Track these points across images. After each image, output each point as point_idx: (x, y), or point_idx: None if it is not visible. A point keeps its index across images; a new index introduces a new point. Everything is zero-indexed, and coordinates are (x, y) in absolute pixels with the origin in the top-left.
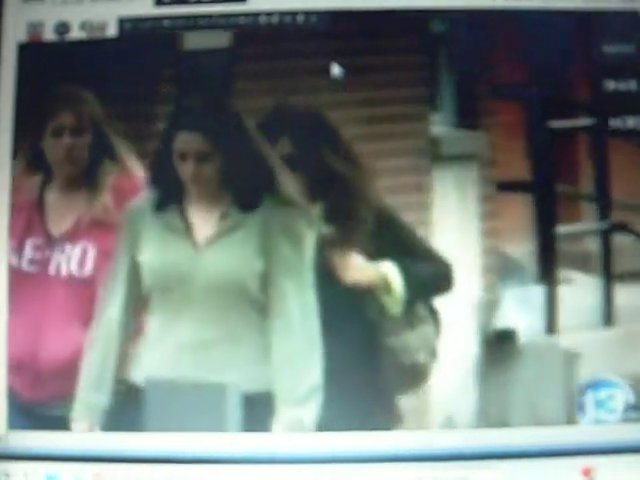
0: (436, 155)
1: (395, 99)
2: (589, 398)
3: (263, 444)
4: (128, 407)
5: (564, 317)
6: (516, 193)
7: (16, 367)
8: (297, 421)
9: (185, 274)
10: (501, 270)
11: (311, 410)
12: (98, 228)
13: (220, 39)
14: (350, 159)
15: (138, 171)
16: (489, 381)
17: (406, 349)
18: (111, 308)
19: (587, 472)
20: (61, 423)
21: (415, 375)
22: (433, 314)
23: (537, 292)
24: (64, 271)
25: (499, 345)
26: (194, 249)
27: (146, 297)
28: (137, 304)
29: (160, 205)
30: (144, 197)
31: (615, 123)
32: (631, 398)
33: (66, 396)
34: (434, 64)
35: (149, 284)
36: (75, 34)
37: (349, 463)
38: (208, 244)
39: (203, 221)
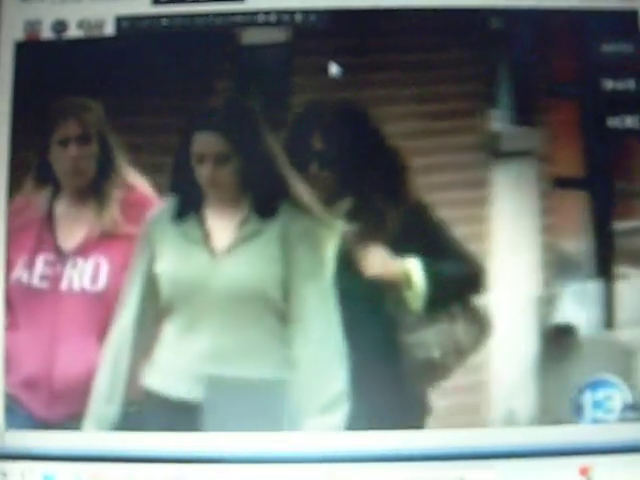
0: (494, 151)
1: (453, 95)
2: (587, 398)
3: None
4: (141, 416)
5: (621, 313)
6: (573, 190)
7: (29, 385)
8: (323, 430)
9: (203, 283)
10: (558, 266)
11: (337, 418)
12: (109, 242)
13: (279, 34)
14: (386, 154)
15: (140, 183)
16: (548, 376)
17: (423, 345)
18: (124, 319)
19: (584, 471)
20: None
21: (433, 371)
22: (469, 313)
23: (594, 288)
24: (76, 286)
25: (558, 340)
26: (212, 257)
27: (164, 308)
28: (153, 315)
29: (179, 214)
30: (163, 207)
31: (613, 122)
32: (629, 398)
33: (81, 415)
34: (492, 61)
35: (167, 295)
36: (73, 32)
37: (344, 463)
38: (227, 252)
39: (221, 228)
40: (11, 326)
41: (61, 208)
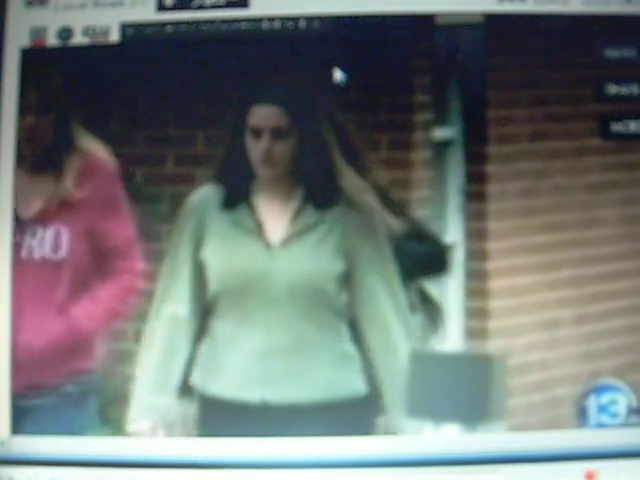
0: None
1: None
2: (592, 402)
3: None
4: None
5: None
6: None
7: None
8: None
9: (258, 277)
10: None
11: None
12: (66, 210)
13: (474, 15)
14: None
15: (101, 152)
16: None
17: None
18: (173, 305)
19: (590, 476)
20: (37, 415)
21: None
22: (426, 303)
23: None
24: (37, 255)
25: None
26: (267, 250)
27: (213, 298)
28: (203, 304)
29: (229, 201)
30: (208, 190)
31: (617, 127)
32: (634, 402)
33: (40, 386)
34: None
35: (217, 285)
36: (78, 39)
37: (343, 468)
38: (283, 245)
39: (274, 219)
40: None
41: (19, 178)
